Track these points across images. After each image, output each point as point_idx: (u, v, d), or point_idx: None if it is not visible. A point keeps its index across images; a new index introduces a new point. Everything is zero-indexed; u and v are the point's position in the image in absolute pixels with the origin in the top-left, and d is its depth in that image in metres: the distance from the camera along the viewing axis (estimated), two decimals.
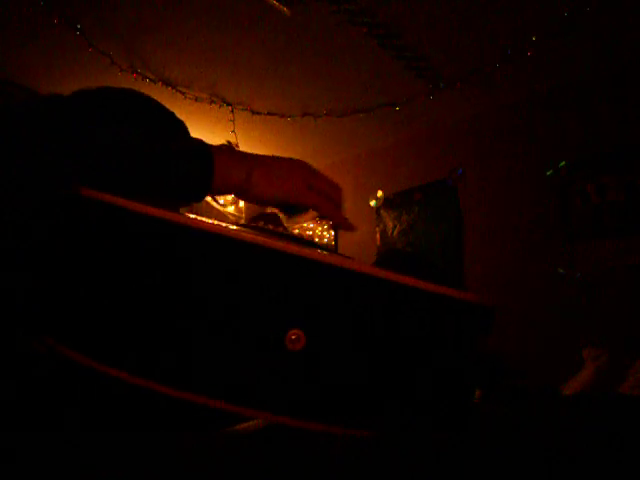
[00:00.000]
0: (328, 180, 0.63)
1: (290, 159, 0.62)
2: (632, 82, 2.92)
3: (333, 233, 4.23)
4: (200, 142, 0.57)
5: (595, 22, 2.60)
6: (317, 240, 4.32)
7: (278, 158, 0.62)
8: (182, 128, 0.80)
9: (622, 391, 2.20)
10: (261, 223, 0.61)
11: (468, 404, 0.54)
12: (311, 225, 4.38)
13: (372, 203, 3.96)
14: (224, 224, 0.49)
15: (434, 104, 3.33)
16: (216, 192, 0.57)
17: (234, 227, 0.51)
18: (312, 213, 0.63)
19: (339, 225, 0.64)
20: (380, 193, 3.93)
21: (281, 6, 2.55)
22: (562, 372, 2.64)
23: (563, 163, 3.07)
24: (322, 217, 0.63)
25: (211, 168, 0.55)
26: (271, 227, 0.60)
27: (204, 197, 0.58)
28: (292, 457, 0.49)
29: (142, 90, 0.76)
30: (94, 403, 0.46)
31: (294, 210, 0.62)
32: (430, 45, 2.84)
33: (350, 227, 0.65)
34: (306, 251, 0.47)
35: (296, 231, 4.41)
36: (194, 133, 0.82)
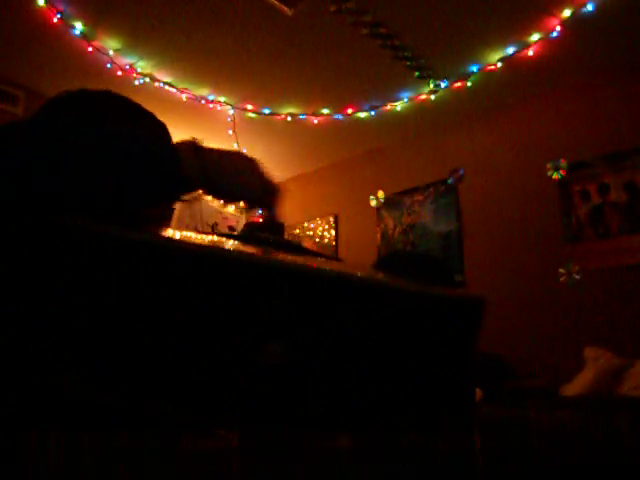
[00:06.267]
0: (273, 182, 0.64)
1: (245, 156, 0.62)
2: (634, 82, 2.91)
3: (334, 233, 4.23)
4: (164, 142, 0.56)
5: (596, 23, 2.59)
6: (317, 240, 4.32)
7: (237, 154, 0.62)
8: (162, 129, 0.79)
9: (623, 392, 2.19)
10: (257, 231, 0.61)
11: (467, 404, 0.53)
12: (312, 225, 4.38)
13: (373, 203, 3.96)
14: (199, 237, 0.48)
15: (434, 104, 3.33)
16: (187, 190, 0.57)
17: (211, 238, 0.50)
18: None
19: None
20: (381, 193, 3.92)
21: (282, 6, 2.55)
22: (563, 373, 2.64)
23: (564, 163, 3.07)
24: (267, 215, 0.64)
25: (178, 167, 0.54)
26: (266, 235, 0.59)
27: (178, 196, 0.57)
28: (285, 460, 0.49)
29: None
30: (85, 407, 0.46)
31: (251, 207, 0.63)
32: (430, 45, 2.84)
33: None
34: (283, 260, 0.46)
35: (297, 230, 4.41)
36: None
